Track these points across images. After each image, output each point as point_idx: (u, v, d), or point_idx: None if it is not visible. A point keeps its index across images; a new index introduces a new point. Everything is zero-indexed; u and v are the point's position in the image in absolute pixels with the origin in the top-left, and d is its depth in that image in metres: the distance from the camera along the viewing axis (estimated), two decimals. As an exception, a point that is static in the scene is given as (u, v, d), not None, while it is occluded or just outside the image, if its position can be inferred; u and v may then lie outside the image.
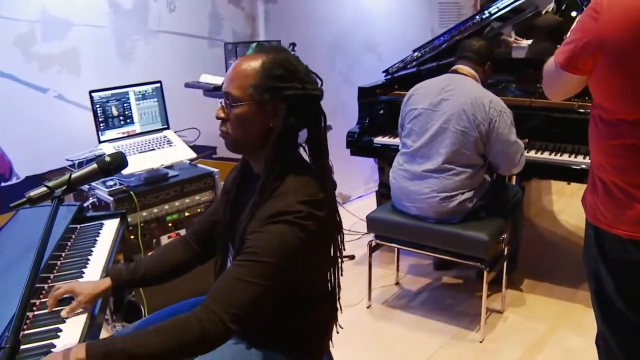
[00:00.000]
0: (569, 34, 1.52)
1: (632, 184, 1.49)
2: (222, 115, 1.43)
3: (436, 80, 2.89)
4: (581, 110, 3.06)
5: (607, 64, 1.42)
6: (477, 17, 3.78)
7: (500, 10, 3.64)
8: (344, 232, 1.59)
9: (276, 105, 1.39)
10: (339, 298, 1.63)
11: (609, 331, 1.67)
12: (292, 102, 1.39)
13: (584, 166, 2.98)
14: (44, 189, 1.35)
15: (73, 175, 1.38)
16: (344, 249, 1.60)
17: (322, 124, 1.47)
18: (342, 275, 1.60)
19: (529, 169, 3.08)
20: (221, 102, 1.45)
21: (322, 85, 1.48)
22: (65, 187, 1.36)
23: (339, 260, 1.58)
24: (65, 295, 1.55)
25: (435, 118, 2.76)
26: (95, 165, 1.42)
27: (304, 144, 1.50)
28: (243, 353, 1.53)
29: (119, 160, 1.46)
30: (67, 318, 1.50)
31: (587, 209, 1.65)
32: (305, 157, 1.51)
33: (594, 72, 1.47)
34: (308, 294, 1.52)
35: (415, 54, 3.90)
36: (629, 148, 1.47)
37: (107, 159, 1.43)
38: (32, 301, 1.56)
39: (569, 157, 3.04)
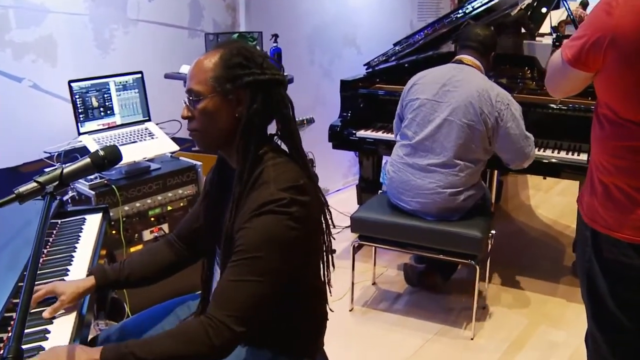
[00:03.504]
0: (578, 28, 1.50)
1: (636, 187, 1.46)
2: (188, 113, 1.41)
3: (440, 70, 2.80)
4: (562, 107, 3.09)
5: (618, 61, 1.38)
6: (453, 15, 3.78)
7: (475, 9, 3.64)
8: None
9: (239, 94, 1.37)
10: (330, 283, 1.60)
11: (599, 330, 1.67)
12: (253, 88, 1.37)
13: (554, 160, 3.02)
14: (34, 184, 1.28)
15: (65, 170, 1.31)
16: (333, 225, 1.56)
17: (287, 107, 1.45)
18: (333, 266, 1.57)
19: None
20: (185, 102, 1.42)
21: (283, 71, 1.48)
22: (57, 182, 1.29)
23: (329, 242, 1.55)
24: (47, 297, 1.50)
25: (439, 109, 2.67)
26: (88, 160, 1.36)
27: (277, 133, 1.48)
28: (238, 351, 1.49)
29: (114, 155, 1.39)
30: (53, 319, 1.45)
31: (584, 211, 1.62)
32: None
33: (603, 69, 1.43)
34: (302, 288, 1.49)
35: (397, 47, 3.89)
36: (636, 150, 1.44)
37: (101, 153, 1.37)
38: (15, 301, 1.49)
39: (552, 152, 3.07)
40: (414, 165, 2.73)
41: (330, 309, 1.62)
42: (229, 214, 1.39)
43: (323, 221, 1.49)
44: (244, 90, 1.37)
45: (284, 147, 1.48)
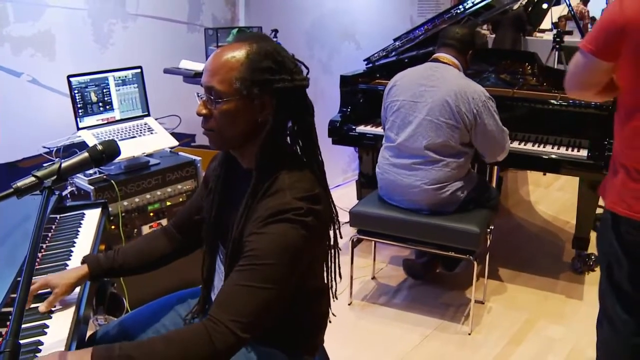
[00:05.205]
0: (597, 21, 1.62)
1: None
2: (205, 111, 1.33)
3: (417, 70, 2.83)
4: (562, 103, 3.09)
5: (633, 50, 1.48)
6: (453, 11, 3.77)
7: (475, 5, 3.63)
8: None
9: (264, 100, 1.31)
10: (335, 290, 1.59)
11: (618, 314, 1.71)
12: (281, 96, 1.31)
13: (554, 156, 3.04)
14: (33, 179, 1.26)
15: (63, 165, 1.30)
16: (341, 236, 1.54)
17: (310, 114, 1.40)
18: (340, 277, 1.57)
19: (510, 159, 3.11)
20: (202, 97, 1.34)
21: (308, 73, 1.40)
22: (55, 177, 1.28)
23: (336, 252, 1.54)
24: (42, 291, 1.49)
25: (417, 110, 2.71)
26: (86, 154, 1.34)
27: (288, 133, 1.42)
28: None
29: (112, 149, 1.38)
30: (51, 314, 1.44)
31: (605, 196, 1.70)
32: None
33: (621, 58, 1.53)
34: (307, 288, 1.47)
35: (397, 43, 3.88)
36: None
37: (99, 147, 1.35)
38: (13, 296, 1.48)
39: (552, 148, 3.07)
40: (399, 165, 2.78)
41: (333, 314, 1.61)
42: (239, 219, 1.35)
43: (331, 231, 1.47)
44: (270, 96, 1.31)
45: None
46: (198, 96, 1.36)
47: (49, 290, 1.48)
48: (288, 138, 1.43)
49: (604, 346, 1.83)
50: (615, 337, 1.75)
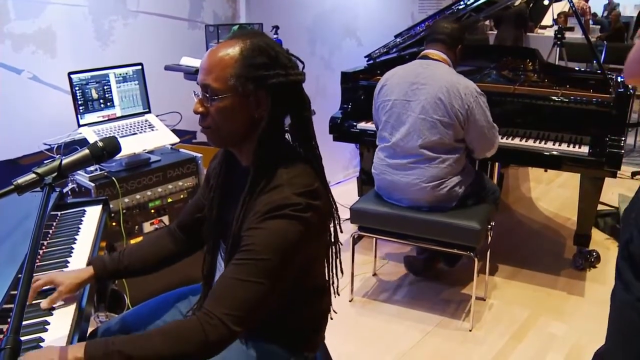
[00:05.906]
0: None
1: None
2: (201, 109, 1.34)
3: (407, 68, 2.81)
4: (564, 99, 3.08)
5: None
6: (454, 7, 3.76)
7: (476, 1, 3.62)
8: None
9: (259, 96, 1.32)
10: (337, 286, 1.59)
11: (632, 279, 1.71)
12: (276, 91, 1.32)
13: (555, 153, 3.03)
14: (33, 175, 1.27)
15: (64, 161, 1.31)
16: (341, 230, 1.54)
17: (307, 109, 1.41)
18: (342, 272, 1.57)
19: (511, 156, 3.11)
20: (198, 95, 1.35)
21: (303, 68, 1.41)
22: (55, 173, 1.28)
23: (337, 248, 1.54)
24: (45, 287, 1.49)
25: (410, 109, 2.70)
26: (87, 151, 1.35)
27: (287, 128, 1.43)
28: (237, 345, 1.48)
29: (112, 146, 1.38)
30: (53, 311, 1.45)
31: None
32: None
33: None
34: (307, 285, 1.48)
35: (398, 39, 3.87)
36: None
37: (100, 144, 1.36)
38: (13, 293, 1.48)
39: (553, 144, 3.06)
40: (394, 166, 2.78)
41: (334, 311, 1.61)
42: (238, 215, 1.36)
43: (331, 225, 1.47)
44: (265, 92, 1.31)
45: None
46: (195, 94, 1.37)
47: (53, 287, 1.49)
48: (286, 133, 1.43)
49: (618, 314, 1.82)
50: (628, 298, 1.76)
